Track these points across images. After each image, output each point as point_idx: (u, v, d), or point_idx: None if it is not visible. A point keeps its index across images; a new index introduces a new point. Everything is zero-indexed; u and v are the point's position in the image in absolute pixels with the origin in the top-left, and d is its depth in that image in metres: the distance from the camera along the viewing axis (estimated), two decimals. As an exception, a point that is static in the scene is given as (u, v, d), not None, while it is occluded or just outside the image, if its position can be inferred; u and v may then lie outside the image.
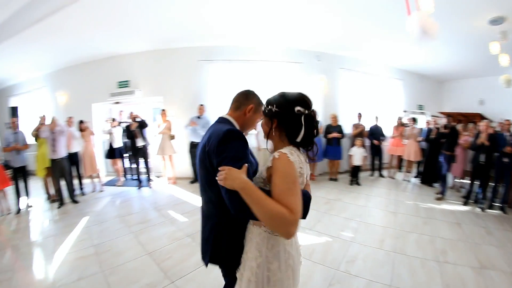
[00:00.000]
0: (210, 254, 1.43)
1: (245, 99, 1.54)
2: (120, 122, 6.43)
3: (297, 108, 1.26)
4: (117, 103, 7.03)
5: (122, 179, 6.61)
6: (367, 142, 6.55)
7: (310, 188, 1.44)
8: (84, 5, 3.82)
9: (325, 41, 5.88)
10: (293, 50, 6.25)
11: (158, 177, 6.50)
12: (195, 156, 5.40)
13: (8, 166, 5.18)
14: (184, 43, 5.99)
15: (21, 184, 5.22)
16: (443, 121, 5.76)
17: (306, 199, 1.28)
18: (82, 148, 5.89)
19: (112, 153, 6.31)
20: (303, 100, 1.29)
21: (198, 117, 5.84)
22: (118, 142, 6.26)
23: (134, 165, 6.33)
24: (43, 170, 5.43)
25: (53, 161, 5.15)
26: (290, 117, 1.27)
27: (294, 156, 1.19)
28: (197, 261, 2.93)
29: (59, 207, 5.18)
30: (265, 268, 1.26)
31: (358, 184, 5.92)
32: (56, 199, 5.33)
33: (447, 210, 4.59)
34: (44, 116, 5.73)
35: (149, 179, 6.22)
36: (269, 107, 1.35)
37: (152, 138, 6.35)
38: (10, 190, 5.09)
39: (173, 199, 5.35)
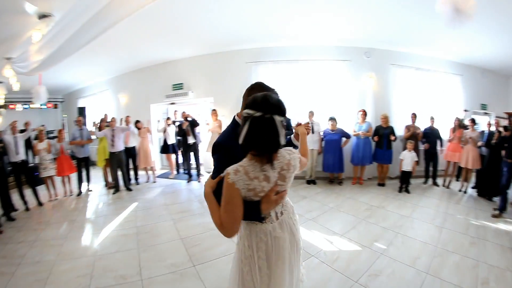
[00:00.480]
0: None
1: (247, 95, 1.51)
2: (174, 121, 6.90)
3: (246, 111, 1.19)
4: (172, 103, 7.57)
5: (174, 172, 7.16)
6: (422, 146, 5.96)
7: (285, 194, 1.40)
8: (142, 18, 4.09)
9: (374, 36, 5.53)
10: (341, 48, 6.03)
11: (208, 172, 6.80)
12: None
13: (73, 156, 6.21)
14: (233, 47, 6.19)
15: (84, 172, 6.24)
16: (505, 122, 4.93)
17: (251, 211, 1.28)
18: (139, 144, 6.60)
19: (166, 149, 6.87)
20: (254, 102, 1.19)
21: None
22: (172, 139, 6.78)
23: (185, 160, 6.82)
24: (103, 161, 6.35)
25: (112, 153, 5.98)
26: (242, 121, 1.23)
27: (238, 176, 1.20)
28: (222, 251, 3.25)
29: (114, 193, 6.01)
30: (240, 245, 1.44)
31: (407, 191, 5.38)
32: (112, 186, 6.17)
33: (503, 231, 3.76)
34: (106, 115, 6.50)
35: (198, 174, 6.64)
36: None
37: (203, 136, 6.85)
38: (74, 176, 6.17)
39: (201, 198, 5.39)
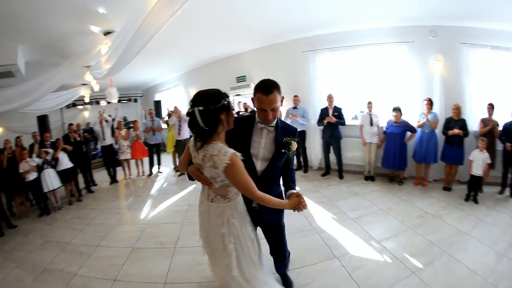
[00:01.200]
0: None
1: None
2: (238, 112, 7.31)
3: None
4: (238, 95, 8.03)
5: None
6: (500, 145, 4.66)
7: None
8: (202, 17, 4.46)
9: (440, 11, 4.55)
10: (402, 28, 5.25)
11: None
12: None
13: (146, 143, 7.37)
14: (288, 36, 6.14)
15: (155, 157, 7.35)
16: None
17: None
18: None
19: None
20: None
21: (294, 108, 5.97)
22: None
23: None
24: (171, 147, 7.34)
25: (178, 141, 6.87)
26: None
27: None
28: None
29: (179, 175, 6.81)
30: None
31: (475, 201, 4.25)
32: (178, 169, 6.89)
33: None
34: (176, 107, 7.24)
35: None
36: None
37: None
38: (146, 160, 7.30)
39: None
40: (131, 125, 7.46)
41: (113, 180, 6.78)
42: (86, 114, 11.11)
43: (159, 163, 7.45)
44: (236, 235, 1.69)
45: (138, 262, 3.16)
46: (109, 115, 7.56)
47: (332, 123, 5.40)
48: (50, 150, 5.28)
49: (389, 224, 3.62)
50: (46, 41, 4.50)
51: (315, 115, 5.90)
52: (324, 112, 5.55)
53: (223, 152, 1.46)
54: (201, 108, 1.46)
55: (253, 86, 6.97)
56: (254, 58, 7.19)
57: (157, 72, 9.18)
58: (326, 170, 5.85)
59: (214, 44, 6.37)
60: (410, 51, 5.23)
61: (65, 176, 5.34)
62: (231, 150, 1.49)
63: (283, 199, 1.96)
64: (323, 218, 3.87)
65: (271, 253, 2.25)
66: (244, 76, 7.43)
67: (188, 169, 1.69)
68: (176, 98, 9.97)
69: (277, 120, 1.84)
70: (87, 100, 9.41)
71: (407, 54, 5.26)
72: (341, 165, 5.63)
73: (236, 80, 7.57)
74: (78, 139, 6.07)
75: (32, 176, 4.81)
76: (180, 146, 6.84)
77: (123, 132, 7.00)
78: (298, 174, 5.96)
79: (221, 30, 5.29)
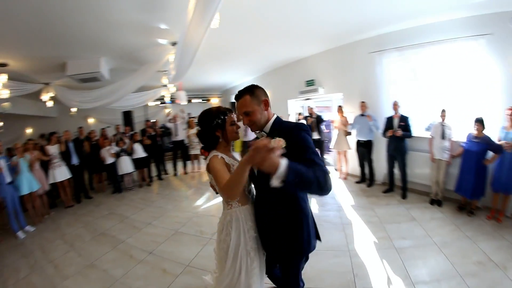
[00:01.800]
0: None
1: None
2: (305, 117, 7.19)
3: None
4: (307, 99, 7.90)
5: None
6: None
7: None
8: (266, 22, 4.59)
9: None
10: (477, 18, 4.15)
11: (336, 170, 6.67)
12: (362, 155, 5.59)
13: None
14: (353, 37, 5.69)
15: None
16: None
17: None
18: None
19: None
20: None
21: (362, 115, 5.49)
22: None
23: None
24: (239, 146, 7.80)
25: (244, 142, 7.26)
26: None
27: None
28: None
29: None
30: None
31: None
32: None
33: None
34: None
35: None
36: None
37: (331, 132, 6.90)
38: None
39: (330, 195, 5.42)
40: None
41: (175, 172, 7.88)
42: (167, 111, 12.62)
43: None
44: (231, 245, 1.69)
45: (175, 243, 3.75)
46: (188, 113, 8.60)
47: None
48: (127, 141, 6.66)
49: (436, 265, 2.92)
50: (123, 53, 5.46)
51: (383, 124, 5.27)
52: (389, 122, 4.92)
53: (209, 156, 1.71)
54: (199, 128, 1.85)
55: (321, 90, 6.75)
56: (321, 61, 6.96)
57: (233, 75, 9.78)
58: (389, 187, 5.19)
59: (281, 48, 6.39)
60: (488, 46, 4.07)
61: (139, 164, 6.72)
62: (215, 153, 1.71)
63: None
64: (364, 240, 3.48)
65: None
66: (313, 80, 7.24)
67: None
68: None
69: (273, 124, 1.70)
70: (167, 99, 10.74)
71: (485, 49, 4.11)
72: (406, 183, 4.90)
73: (305, 83, 7.43)
74: (153, 133, 7.19)
75: (110, 160, 6.21)
76: (245, 146, 7.24)
77: (194, 129, 7.78)
78: (360, 188, 5.55)
79: (286, 33, 5.27)
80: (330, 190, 1.36)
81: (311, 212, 1.73)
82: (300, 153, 1.46)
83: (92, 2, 3.35)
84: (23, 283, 3.15)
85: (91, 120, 11.46)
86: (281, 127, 1.66)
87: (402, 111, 4.86)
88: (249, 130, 6.81)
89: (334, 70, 6.62)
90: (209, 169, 1.66)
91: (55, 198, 5.90)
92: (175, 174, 7.88)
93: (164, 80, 7.01)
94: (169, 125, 8.09)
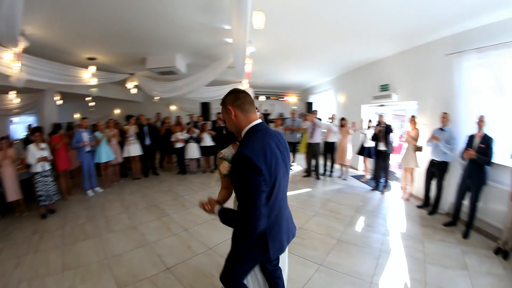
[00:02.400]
0: None
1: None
2: (377, 125, 6.51)
3: None
4: (381, 105, 7.12)
5: (367, 177, 6.85)
6: None
7: None
8: (337, 22, 4.38)
9: None
10: None
11: (402, 187, 5.81)
12: (431, 177, 4.78)
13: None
14: (428, 36, 4.80)
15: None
16: None
17: None
18: (339, 140, 7.07)
19: (362, 151, 6.73)
20: None
21: (441, 129, 4.54)
22: (369, 142, 6.48)
23: (376, 167, 6.31)
24: (304, 148, 7.58)
25: (309, 144, 7.01)
26: None
27: None
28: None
29: (304, 176, 7.18)
30: None
31: None
32: (307, 172, 7.29)
33: None
34: (315, 111, 7.41)
35: (385, 185, 5.96)
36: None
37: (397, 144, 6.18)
38: None
39: (382, 213, 4.80)
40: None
41: None
42: None
43: (292, 160, 7.96)
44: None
45: (210, 227, 4.10)
46: (265, 110, 8.92)
47: (475, 159, 3.70)
48: (196, 130, 7.36)
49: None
50: (196, 50, 6.01)
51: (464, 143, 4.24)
52: (469, 141, 3.91)
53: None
54: None
55: (394, 96, 5.99)
56: (395, 64, 6.16)
57: (309, 75, 9.54)
58: (452, 220, 4.18)
59: (351, 48, 5.93)
60: None
61: (206, 151, 7.35)
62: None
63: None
64: (394, 277, 2.94)
65: None
66: (387, 85, 6.44)
67: None
68: (327, 103, 10.06)
69: (246, 134, 1.62)
70: None
71: None
72: (473, 219, 3.81)
73: (379, 88, 6.68)
74: (223, 125, 7.66)
75: (180, 145, 6.99)
76: (310, 148, 7.04)
77: None
78: (419, 213, 4.71)
79: (353, 32, 4.88)
80: (255, 231, 1.49)
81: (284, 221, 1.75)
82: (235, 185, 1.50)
83: (162, 8, 3.87)
84: (78, 228, 4.28)
85: (172, 107, 13.09)
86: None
87: (487, 130, 3.80)
88: (315, 132, 6.81)
89: (407, 74, 5.77)
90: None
91: (127, 170, 7.24)
92: None
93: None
94: None
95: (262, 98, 12.80)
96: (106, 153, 6.08)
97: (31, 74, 4.68)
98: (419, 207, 4.99)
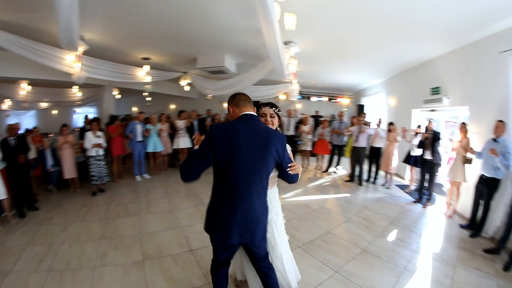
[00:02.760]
0: (260, 233, 1.90)
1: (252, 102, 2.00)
2: (427, 131, 5.96)
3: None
4: (432, 110, 6.43)
5: (412, 187, 6.29)
6: None
7: None
8: (378, 20, 4.16)
9: None
10: None
11: (447, 203, 5.20)
12: (481, 195, 4.15)
13: (331, 142, 7.87)
14: (480, 32, 4.18)
15: (336, 157, 7.88)
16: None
17: None
18: (385, 146, 6.65)
19: (408, 159, 6.20)
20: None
21: (494, 140, 3.91)
22: (416, 150, 5.90)
23: (420, 177, 5.74)
24: (349, 152, 7.39)
25: (354, 147, 6.79)
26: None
27: None
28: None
29: (346, 181, 6.99)
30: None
31: None
32: (350, 177, 7.06)
33: None
34: (380, 119, 7.16)
35: (428, 198, 5.37)
36: (277, 109, 2.21)
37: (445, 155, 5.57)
38: (326, 157, 8.07)
39: (419, 228, 4.34)
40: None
41: None
42: (299, 106, 12.99)
43: (337, 163, 7.89)
44: None
45: None
46: (316, 111, 9.21)
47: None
48: None
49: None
50: (243, 51, 6.19)
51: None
52: None
53: None
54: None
55: (445, 101, 5.43)
56: (447, 64, 5.52)
57: (361, 75, 9.04)
58: (496, 247, 3.56)
59: (398, 47, 5.49)
60: None
61: None
62: None
63: None
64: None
65: None
66: (438, 87, 5.77)
67: None
68: (377, 106, 9.48)
69: None
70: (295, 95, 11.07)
71: None
72: None
73: (430, 91, 6.02)
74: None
75: None
76: (354, 152, 6.78)
77: (307, 127, 8.00)
78: (460, 234, 4.14)
79: (400, 29, 4.52)
80: (181, 178, 1.76)
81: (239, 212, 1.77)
82: None
83: (208, 12, 4.11)
84: (121, 206, 4.94)
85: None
86: None
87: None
88: (360, 136, 6.62)
89: (459, 76, 5.15)
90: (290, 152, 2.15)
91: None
92: None
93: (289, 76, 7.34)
94: (283, 119, 8.52)
95: (313, 99, 12.61)
96: (154, 144, 6.74)
97: (90, 73, 5.44)
98: (462, 227, 4.40)
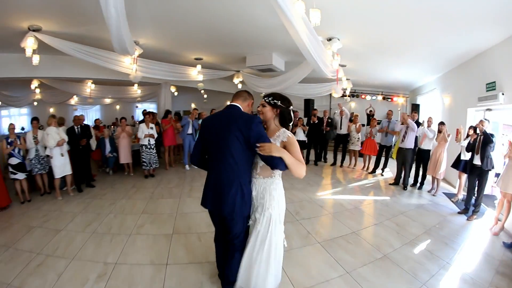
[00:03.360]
0: (229, 207, 2.07)
1: (248, 96, 2.28)
2: (476, 132, 5.29)
3: (291, 107, 2.25)
4: (488, 109, 5.64)
5: (459, 196, 5.61)
6: None
7: None
8: (423, 12, 3.96)
9: None
10: None
11: (495, 217, 4.51)
12: None
13: (380, 143, 7.67)
14: None
15: (383, 158, 7.70)
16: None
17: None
18: (434, 148, 6.12)
19: (457, 164, 5.56)
20: (291, 103, 2.27)
21: None
22: (467, 154, 5.24)
23: (468, 185, 5.21)
24: (395, 153, 7.06)
25: (400, 148, 6.48)
26: (289, 111, 2.22)
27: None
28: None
29: (390, 184, 6.68)
30: (278, 202, 2.18)
31: None
32: (395, 180, 6.73)
33: None
34: (403, 113, 6.89)
35: (475, 210, 4.77)
36: (275, 100, 2.18)
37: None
38: (373, 158, 7.85)
39: (456, 242, 3.92)
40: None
41: (334, 162, 8.57)
42: (353, 105, 12.49)
43: (384, 165, 7.59)
44: None
45: None
46: (370, 110, 9.76)
47: None
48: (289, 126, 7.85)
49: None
50: (288, 49, 6.22)
51: None
52: None
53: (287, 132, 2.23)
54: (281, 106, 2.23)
55: (501, 97, 4.90)
56: (502, 55, 4.79)
57: (412, 72, 8.36)
58: None
59: (452, 38, 4.98)
60: None
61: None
62: (288, 132, 2.24)
63: None
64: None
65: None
66: (494, 82, 5.07)
67: None
68: (432, 104, 8.69)
69: None
70: (347, 93, 10.60)
71: None
72: None
73: (486, 87, 5.33)
74: (316, 121, 8.15)
75: None
76: (400, 153, 6.45)
77: (356, 125, 7.93)
78: (502, 256, 3.56)
79: (451, 17, 4.13)
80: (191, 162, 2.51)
81: (210, 179, 2.22)
82: None
83: (249, 14, 4.43)
84: (167, 189, 5.77)
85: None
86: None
87: None
88: (408, 136, 6.30)
89: None
90: (288, 141, 2.09)
91: None
92: (333, 164, 8.45)
93: (340, 74, 7.22)
94: (336, 118, 8.51)
95: (368, 97, 12.08)
96: None
97: (145, 73, 6.30)
98: (506, 245, 3.82)
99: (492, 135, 4.57)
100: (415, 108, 9.47)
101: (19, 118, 13.90)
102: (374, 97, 11.79)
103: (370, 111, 11.27)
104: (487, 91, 5.30)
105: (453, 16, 4.02)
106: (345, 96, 10.84)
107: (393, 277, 2.97)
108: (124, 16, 3.30)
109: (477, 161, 4.65)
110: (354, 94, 11.77)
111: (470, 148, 4.86)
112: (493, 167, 4.62)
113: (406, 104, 11.54)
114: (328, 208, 4.92)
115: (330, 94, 10.65)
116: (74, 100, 13.22)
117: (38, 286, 2.62)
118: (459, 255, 3.56)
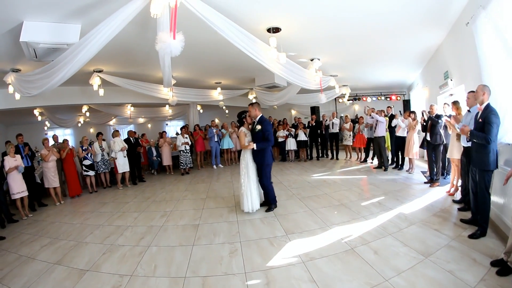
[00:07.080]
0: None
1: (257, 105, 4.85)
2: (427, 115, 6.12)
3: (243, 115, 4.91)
4: (451, 95, 6.39)
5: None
6: None
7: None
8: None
9: None
10: None
11: (451, 182, 5.25)
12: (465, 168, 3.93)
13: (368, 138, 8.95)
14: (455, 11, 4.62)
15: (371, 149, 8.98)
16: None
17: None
18: (408, 135, 7.07)
19: (423, 144, 6.32)
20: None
21: (469, 111, 3.85)
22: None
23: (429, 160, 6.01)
24: (388, 142, 8.39)
25: (374, 137, 7.93)
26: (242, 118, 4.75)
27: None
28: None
29: (374, 167, 8.00)
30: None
31: None
32: (378, 164, 8.04)
33: None
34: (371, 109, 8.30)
35: (435, 179, 5.67)
36: (242, 115, 4.61)
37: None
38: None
39: (408, 199, 4.85)
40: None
41: (332, 157, 10.09)
42: (356, 107, 13.91)
43: (373, 155, 8.79)
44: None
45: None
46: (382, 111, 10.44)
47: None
48: (293, 129, 9.65)
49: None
50: None
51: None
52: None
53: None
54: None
55: (450, 83, 6.02)
56: (448, 48, 5.94)
57: (396, 71, 9.71)
58: (472, 218, 3.48)
59: (406, 39, 6.13)
60: None
61: (301, 145, 9.63)
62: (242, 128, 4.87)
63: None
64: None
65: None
66: (447, 71, 6.18)
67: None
68: (419, 99, 9.77)
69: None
70: (346, 98, 11.95)
71: None
72: (487, 220, 3.17)
73: (443, 76, 6.47)
74: (313, 124, 9.91)
75: (281, 139, 9.67)
76: (375, 141, 7.92)
77: (348, 125, 9.55)
78: (449, 207, 4.28)
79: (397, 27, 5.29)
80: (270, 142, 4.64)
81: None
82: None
83: None
84: (200, 179, 8.03)
85: (293, 111, 15.60)
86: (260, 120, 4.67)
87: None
88: (378, 127, 7.90)
89: (455, 58, 5.52)
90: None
91: None
92: (332, 158, 10.08)
93: (331, 83, 8.75)
94: (335, 120, 10.10)
95: (369, 99, 13.47)
96: (227, 143, 9.70)
97: (179, 97, 8.69)
98: (455, 202, 4.48)
99: (439, 116, 5.51)
100: (406, 104, 10.72)
101: (63, 137, 15.15)
102: (374, 98, 13.16)
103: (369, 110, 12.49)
104: (444, 79, 6.34)
105: (396, 25, 5.22)
106: (342, 100, 12.32)
107: (341, 212, 4.27)
108: (170, 63, 5.13)
109: (429, 138, 5.70)
110: (356, 98, 13.24)
111: (423, 129, 5.97)
112: (443, 142, 5.56)
113: (398, 101, 12.77)
114: (312, 182, 6.52)
115: (335, 100, 12.26)
116: (112, 121, 15.00)
117: (121, 225, 4.55)
118: (405, 206, 4.36)
